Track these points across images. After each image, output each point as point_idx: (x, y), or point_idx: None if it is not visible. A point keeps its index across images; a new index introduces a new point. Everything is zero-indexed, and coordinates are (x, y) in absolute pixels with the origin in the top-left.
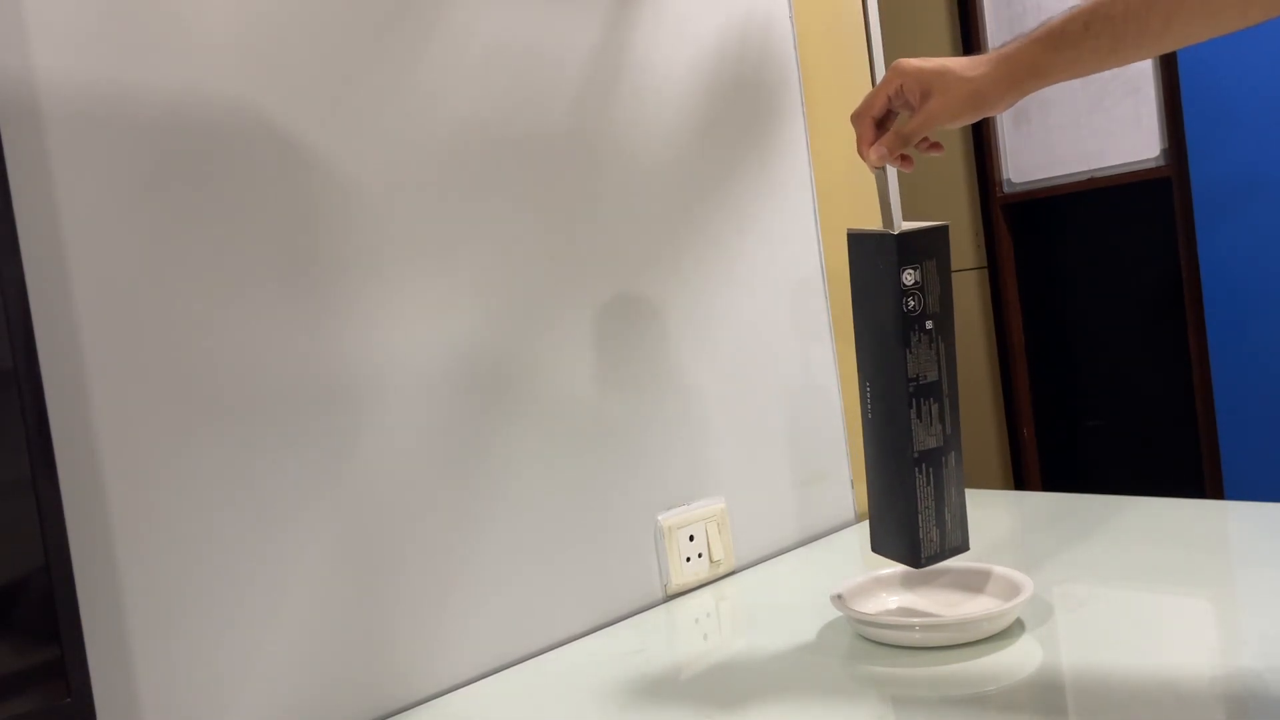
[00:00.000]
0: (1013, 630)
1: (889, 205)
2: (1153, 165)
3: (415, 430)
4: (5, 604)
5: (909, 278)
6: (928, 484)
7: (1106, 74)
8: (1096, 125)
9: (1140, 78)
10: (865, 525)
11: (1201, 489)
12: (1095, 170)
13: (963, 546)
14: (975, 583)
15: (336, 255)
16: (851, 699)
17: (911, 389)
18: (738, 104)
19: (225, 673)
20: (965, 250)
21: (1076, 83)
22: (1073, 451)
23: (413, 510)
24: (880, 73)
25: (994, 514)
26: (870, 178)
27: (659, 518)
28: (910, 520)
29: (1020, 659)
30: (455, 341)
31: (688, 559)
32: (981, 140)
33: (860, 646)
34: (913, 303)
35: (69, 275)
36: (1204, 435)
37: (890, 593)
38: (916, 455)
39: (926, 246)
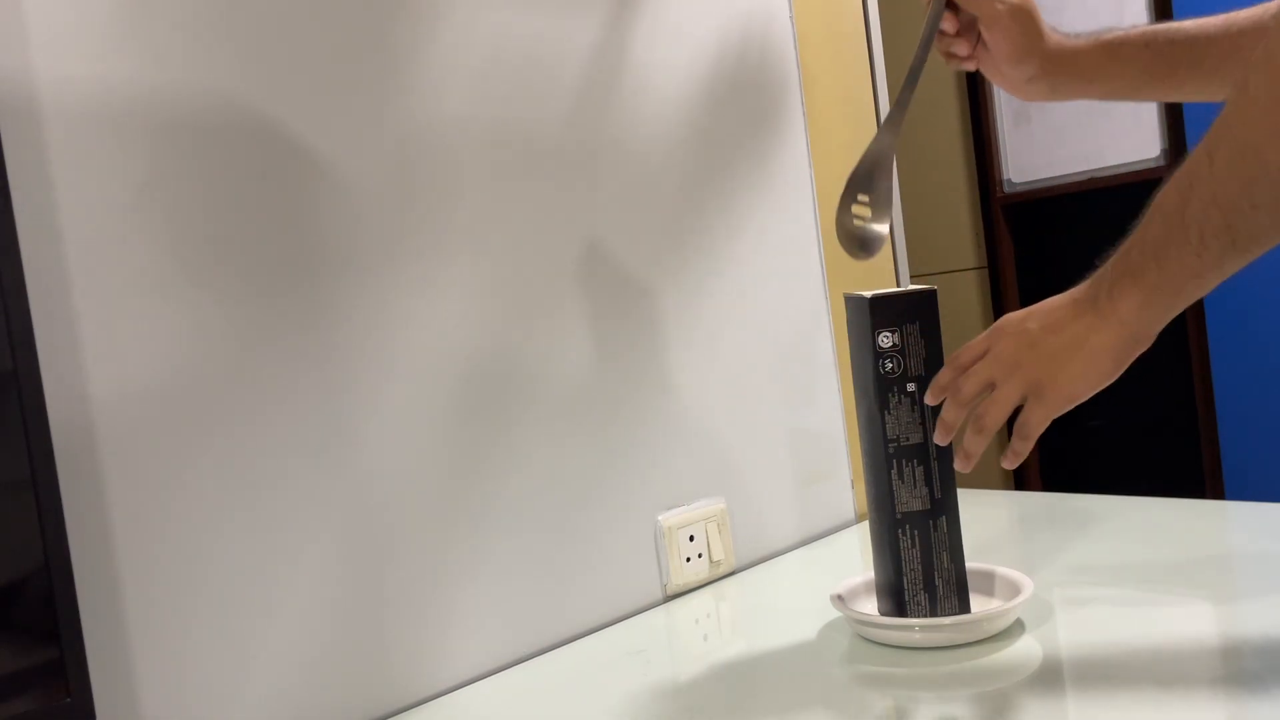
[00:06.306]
0: (1013, 630)
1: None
2: (1153, 165)
3: (415, 430)
4: (5, 604)
5: (885, 340)
6: (912, 546)
7: None
8: (1096, 125)
9: None
10: (865, 525)
11: (1201, 489)
12: (1095, 170)
13: (959, 614)
14: (975, 583)
15: (336, 254)
16: (851, 699)
17: (891, 449)
18: (738, 104)
19: (226, 672)
20: (965, 250)
21: None
22: (1073, 451)
23: (412, 510)
24: (880, 73)
25: (994, 514)
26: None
27: (659, 518)
28: (896, 581)
29: (1020, 659)
30: (454, 341)
31: (688, 559)
32: (982, 140)
33: (860, 647)
34: (890, 365)
35: (69, 275)
36: (1204, 435)
37: None
38: (899, 516)
39: (907, 310)
